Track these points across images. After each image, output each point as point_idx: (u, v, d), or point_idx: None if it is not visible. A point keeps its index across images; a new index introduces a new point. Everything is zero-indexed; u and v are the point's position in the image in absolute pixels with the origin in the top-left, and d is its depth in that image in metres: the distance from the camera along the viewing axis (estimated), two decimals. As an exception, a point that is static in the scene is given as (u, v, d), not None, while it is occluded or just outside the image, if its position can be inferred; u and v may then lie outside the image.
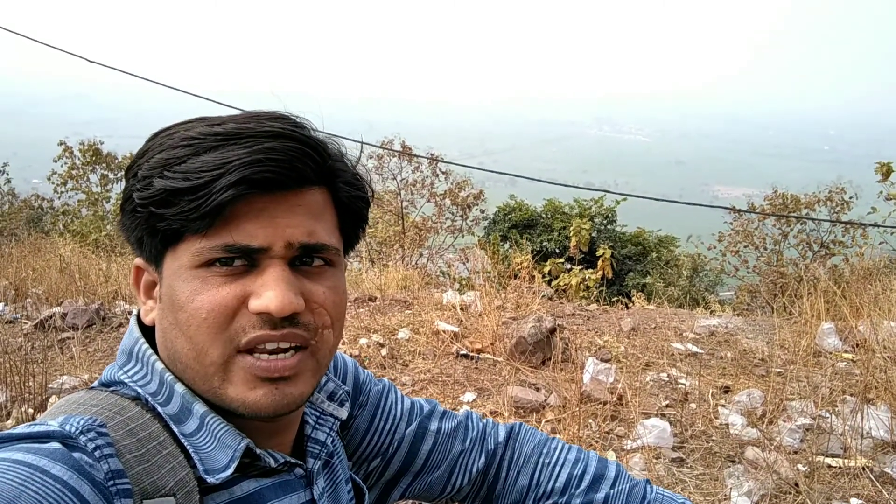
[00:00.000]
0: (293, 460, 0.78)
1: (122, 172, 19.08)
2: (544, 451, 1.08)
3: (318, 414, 0.87)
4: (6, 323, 5.36)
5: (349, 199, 0.79)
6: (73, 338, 4.92)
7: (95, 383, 0.78)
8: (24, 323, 5.37)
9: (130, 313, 5.60)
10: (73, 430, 0.64)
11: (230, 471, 0.70)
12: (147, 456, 0.67)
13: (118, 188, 19.26)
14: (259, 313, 0.68)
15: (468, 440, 1.07)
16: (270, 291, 0.68)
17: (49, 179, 18.42)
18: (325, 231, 0.74)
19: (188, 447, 0.70)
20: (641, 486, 1.04)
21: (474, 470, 1.06)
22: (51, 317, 5.19)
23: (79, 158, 18.67)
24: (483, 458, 1.07)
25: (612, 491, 1.02)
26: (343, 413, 0.89)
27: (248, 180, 0.66)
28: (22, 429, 0.64)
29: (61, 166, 18.49)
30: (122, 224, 0.74)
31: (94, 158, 18.83)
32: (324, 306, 0.73)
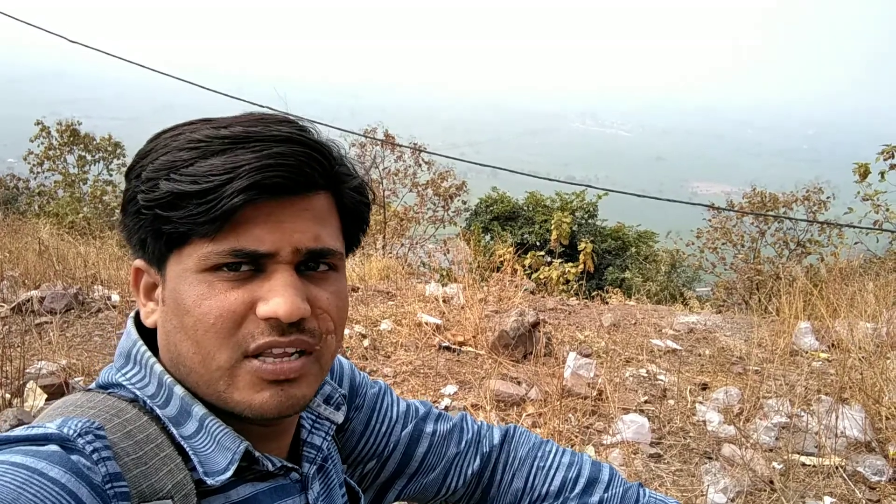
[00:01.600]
0: (289, 465, 0.78)
1: (100, 154, 18.95)
2: (539, 454, 1.09)
3: (314, 418, 0.87)
4: (-18, 306, 5.27)
5: (353, 203, 0.79)
6: (52, 322, 4.85)
7: (93, 385, 0.77)
8: (1, 306, 5.29)
9: (109, 298, 5.54)
10: (72, 432, 0.63)
11: (229, 473, 0.70)
12: (145, 458, 0.67)
13: (95, 169, 19.03)
14: (267, 319, 0.69)
15: (463, 442, 1.08)
16: (279, 297, 0.68)
17: (25, 159, 18.16)
18: (331, 236, 0.74)
19: (188, 449, 0.70)
20: (634, 489, 1.05)
21: (469, 472, 1.06)
22: (28, 300, 5.12)
23: (56, 139, 18.42)
24: (478, 460, 1.07)
25: (605, 494, 1.04)
26: (339, 417, 0.89)
27: (259, 185, 0.66)
28: (20, 431, 0.64)
29: (38, 146, 18.23)
30: (124, 225, 0.74)
31: (71, 139, 18.59)
32: (328, 312, 0.74)
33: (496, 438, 1.11)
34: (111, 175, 19.00)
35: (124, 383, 0.74)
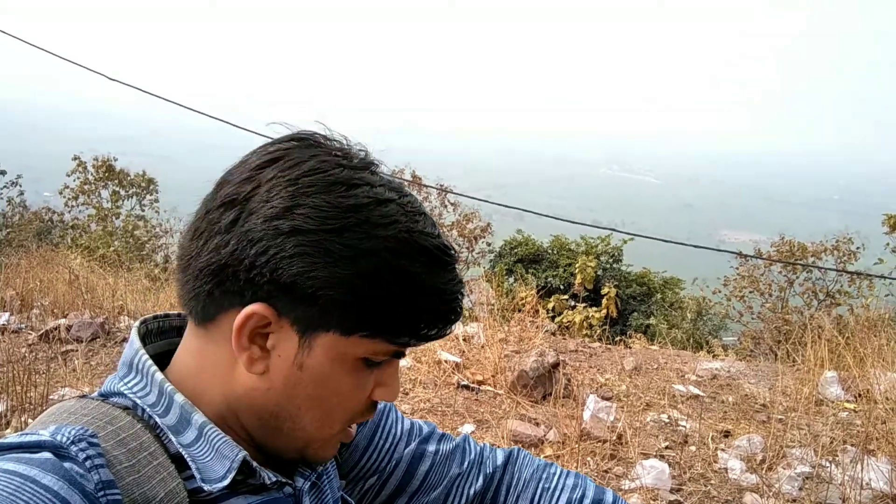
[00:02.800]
0: (283, 479, 0.78)
1: (133, 189, 19.38)
2: (543, 475, 1.09)
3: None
4: (11, 333, 5.39)
5: None
6: (77, 350, 4.94)
7: (94, 393, 0.77)
8: (29, 333, 5.40)
9: (129, 329, 5.61)
10: (65, 439, 0.63)
11: (227, 481, 0.71)
12: (138, 466, 0.67)
13: (128, 205, 19.42)
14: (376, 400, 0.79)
15: (466, 463, 1.08)
16: (394, 387, 0.79)
17: (61, 193, 18.62)
18: None
19: (186, 457, 0.71)
20: None
21: (471, 492, 1.06)
22: (56, 328, 5.22)
23: (92, 174, 18.90)
24: (481, 481, 1.07)
25: None
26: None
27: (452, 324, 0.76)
28: (13, 438, 0.63)
29: (74, 181, 18.71)
30: (284, 287, 0.70)
31: (106, 174, 19.05)
32: None
33: (500, 459, 1.11)
34: (143, 210, 19.40)
35: (125, 391, 0.74)
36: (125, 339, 5.38)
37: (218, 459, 0.72)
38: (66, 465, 0.61)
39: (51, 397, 3.97)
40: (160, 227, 18.05)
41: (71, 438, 0.64)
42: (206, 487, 0.70)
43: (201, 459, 0.71)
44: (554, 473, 1.10)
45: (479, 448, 1.12)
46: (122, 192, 19.35)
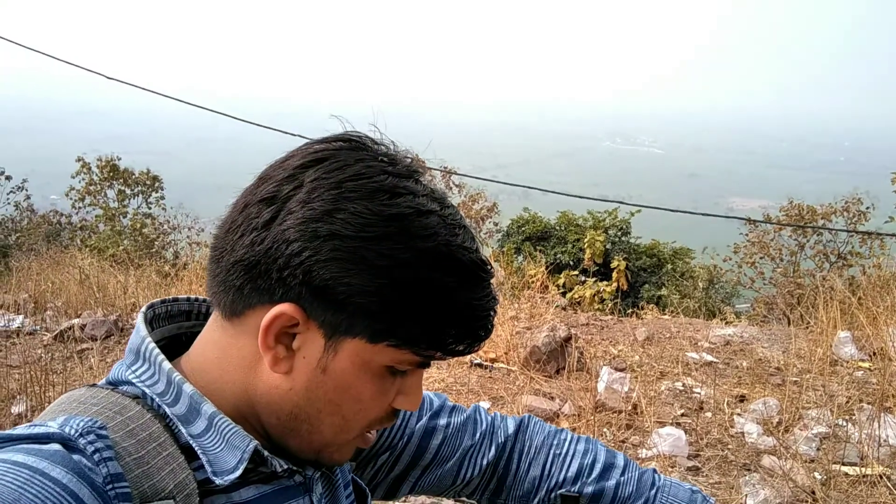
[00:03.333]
0: (294, 467, 0.78)
1: (139, 188, 19.43)
2: (554, 442, 1.10)
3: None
4: (26, 335, 5.44)
5: None
6: (92, 349, 4.98)
7: (102, 381, 0.77)
8: (44, 335, 5.45)
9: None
10: (73, 432, 0.63)
11: (239, 472, 0.70)
12: (147, 458, 0.67)
13: (135, 203, 19.47)
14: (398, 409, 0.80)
15: (478, 434, 1.08)
16: (416, 395, 0.79)
17: (67, 195, 18.66)
18: None
19: (196, 448, 0.70)
20: (650, 474, 1.06)
21: (484, 462, 1.07)
22: (70, 328, 5.27)
23: (96, 174, 18.91)
24: (493, 450, 1.08)
25: (622, 478, 1.04)
26: None
27: (481, 342, 0.76)
28: (21, 429, 0.63)
29: (79, 182, 18.74)
30: (315, 290, 0.69)
31: (111, 174, 19.06)
32: None
33: (511, 428, 1.11)
34: (150, 208, 19.43)
35: (133, 380, 0.74)
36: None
37: (229, 450, 0.71)
38: (75, 457, 0.61)
39: (69, 395, 4.02)
40: (168, 224, 18.08)
41: (79, 430, 0.63)
42: (218, 481, 0.70)
43: (212, 450, 0.71)
44: (565, 439, 1.11)
45: (489, 418, 1.13)
46: (128, 191, 19.37)
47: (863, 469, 3.50)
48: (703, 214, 11.02)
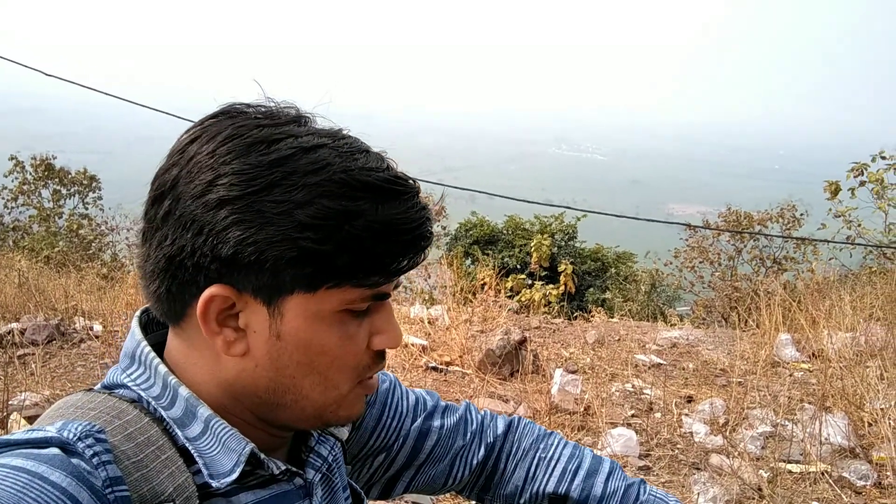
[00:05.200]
0: (294, 469, 0.77)
1: (75, 188, 18.80)
2: (542, 445, 1.11)
3: (320, 431, 0.87)
4: (-39, 339, 5.20)
5: None
6: (34, 354, 4.80)
7: (98, 385, 0.76)
8: (-20, 339, 5.22)
9: (91, 329, 5.48)
10: (72, 436, 0.62)
11: (235, 475, 0.69)
12: (146, 461, 0.66)
13: (71, 203, 18.83)
14: (380, 350, 0.76)
15: (469, 434, 1.09)
16: (393, 332, 0.76)
17: (-1, 194, 17.94)
18: None
19: (192, 451, 0.70)
20: (636, 485, 1.06)
21: (474, 462, 1.08)
22: (9, 332, 5.06)
23: (30, 173, 18.22)
24: (482, 450, 1.09)
25: (606, 486, 1.05)
26: (343, 434, 0.90)
27: (423, 249, 0.73)
28: (20, 434, 0.62)
29: (12, 181, 18.02)
30: (228, 261, 0.67)
31: (46, 173, 18.39)
32: None
33: (500, 428, 1.13)
34: (87, 209, 18.79)
35: (129, 384, 0.73)
36: (82, 340, 5.24)
37: (225, 453, 0.70)
38: (74, 461, 0.60)
39: (10, 403, 3.86)
40: (105, 225, 17.52)
41: (78, 434, 0.63)
42: (214, 484, 0.69)
43: (208, 453, 0.70)
44: (552, 444, 1.12)
45: (479, 417, 1.14)
46: (64, 191, 18.72)
47: (806, 466, 3.64)
48: (645, 220, 11.27)
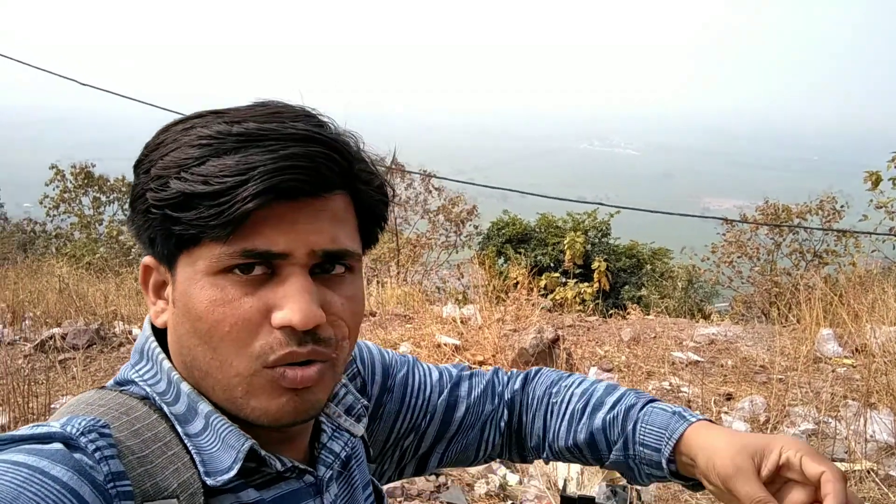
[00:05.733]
0: (303, 466, 0.76)
1: (114, 195, 19.18)
2: (554, 390, 1.07)
3: (334, 427, 0.85)
4: (6, 345, 5.33)
5: (371, 201, 0.76)
6: (74, 358, 4.90)
7: (110, 382, 0.76)
8: (24, 345, 5.35)
9: (130, 333, 5.58)
10: (75, 430, 0.62)
11: (233, 472, 0.68)
12: (151, 457, 0.66)
13: (110, 210, 19.22)
14: (282, 327, 0.67)
15: (496, 397, 1.08)
16: (294, 304, 0.66)
17: (41, 203, 18.37)
18: (348, 236, 0.72)
19: (190, 447, 0.69)
20: (637, 407, 0.98)
21: (503, 424, 1.07)
22: (51, 338, 5.18)
23: (70, 181, 18.64)
24: (506, 411, 1.08)
25: (607, 417, 0.98)
26: (359, 430, 0.86)
27: (274, 189, 0.64)
28: (25, 430, 0.63)
29: (53, 190, 18.45)
30: (132, 222, 0.71)
31: (85, 181, 18.80)
32: (342, 317, 0.71)
33: (518, 384, 1.10)
34: (126, 215, 19.16)
35: (137, 380, 0.73)
36: (122, 344, 5.34)
37: (224, 449, 0.69)
38: (77, 456, 0.60)
39: (52, 406, 3.94)
40: (145, 231, 17.88)
41: (80, 429, 0.62)
42: (210, 481, 0.68)
43: (207, 450, 0.69)
44: (565, 385, 1.07)
45: (505, 378, 1.11)
46: (104, 198, 19.12)
47: (851, 465, 3.55)
48: (681, 215, 11.12)
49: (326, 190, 0.69)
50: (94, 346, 5.24)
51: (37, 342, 5.17)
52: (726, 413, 4.31)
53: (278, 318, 0.66)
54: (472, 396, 1.05)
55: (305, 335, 0.67)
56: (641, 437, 0.94)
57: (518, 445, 1.09)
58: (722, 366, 5.17)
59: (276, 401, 0.68)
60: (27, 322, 5.96)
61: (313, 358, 0.68)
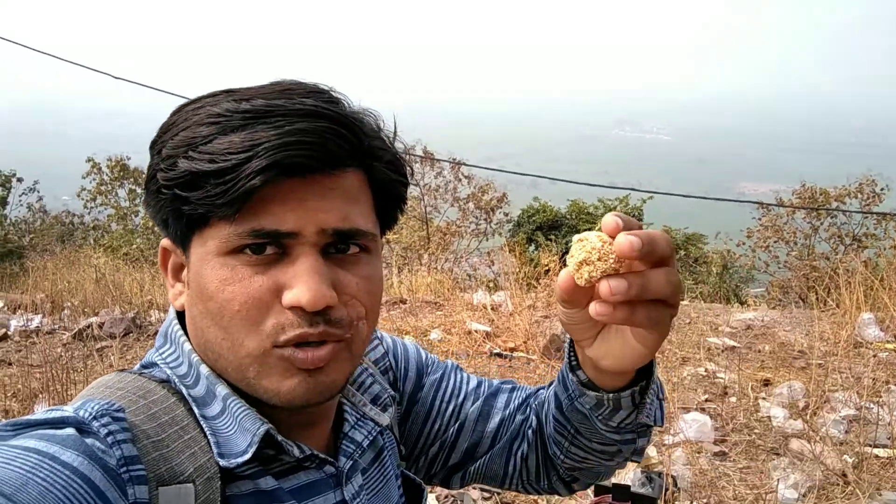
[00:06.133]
0: (323, 455, 0.74)
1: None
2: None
3: (358, 416, 0.83)
4: (45, 334, 5.45)
5: (387, 180, 0.74)
6: (111, 346, 4.99)
7: (137, 365, 0.76)
8: (63, 333, 5.46)
9: (165, 321, 5.68)
10: (87, 415, 0.62)
11: (248, 455, 0.67)
12: (167, 441, 0.65)
13: (147, 202, 19.54)
14: (292, 307, 0.65)
15: (528, 408, 1.03)
16: (303, 284, 0.65)
17: (79, 196, 18.74)
18: (361, 215, 0.70)
19: (206, 430, 0.68)
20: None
21: (530, 432, 1.00)
22: (88, 327, 5.28)
23: (107, 174, 18.97)
24: (535, 417, 1.01)
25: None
26: (384, 419, 0.84)
27: (279, 165, 0.62)
28: (39, 415, 0.62)
29: (90, 182, 18.81)
30: (147, 203, 0.71)
31: (121, 174, 19.12)
32: (357, 297, 0.70)
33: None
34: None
35: (159, 362, 0.73)
36: (157, 333, 5.43)
37: (240, 433, 0.68)
38: (89, 441, 0.59)
39: (91, 394, 4.02)
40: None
41: (93, 413, 0.62)
42: (223, 462, 0.66)
43: (224, 433, 0.68)
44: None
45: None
46: (139, 190, 19.42)
47: (893, 451, 3.46)
48: (715, 199, 10.95)
49: (335, 166, 0.67)
50: (131, 334, 5.33)
51: (75, 331, 5.28)
52: (764, 399, 4.23)
53: (288, 298, 0.65)
54: (508, 409, 1.01)
55: (317, 315, 0.66)
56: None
57: (546, 454, 1.00)
58: (759, 351, 5.08)
59: (289, 381, 0.67)
60: (66, 311, 6.08)
61: (325, 338, 0.67)
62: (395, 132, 0.77)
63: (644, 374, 0.79)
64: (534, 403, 1.02)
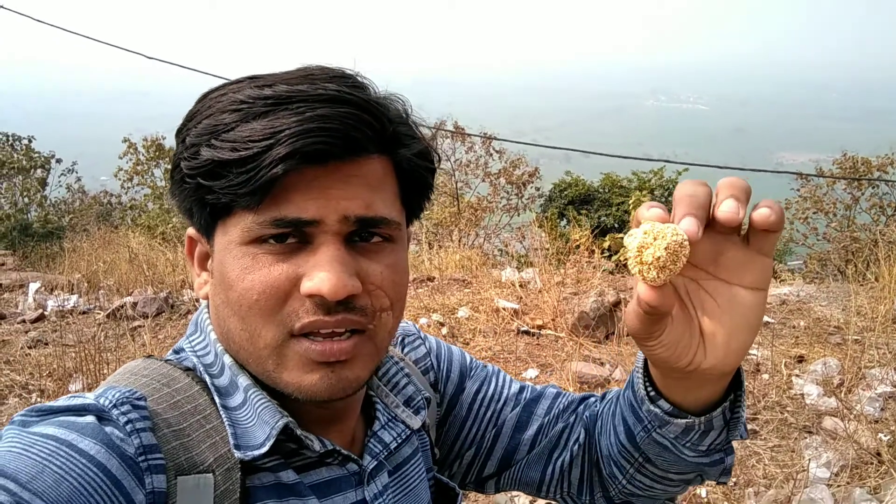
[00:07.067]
0: (345, 452, 0.73)
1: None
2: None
3: (389, 417, 0.82)
4: (81, 314, 5.57)
5: (412, 167, 0.72)
6: (144, 326, 5.08)
7: (169, 352, 0.77)
8: (97, 313, 5.58)
9: (198, 301, 5.75)
10: (108, 402, 0.62)
11: (265, 448, 0.66)
12: (188, 430, 0.65)
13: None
14: (311, 296, 0.64)
15: (573, 415, 0.98)
16: (323, 273, 0.63)
17: (116, 176, 19.05)
18: (385, 203, 0.68)
19: (225, 420, 0.68)
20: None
21: (576, 447, 0.95)
22: (122, 306, 5.38)
23: (143, 154, 19.23)
24: (583, 430, 0.97)
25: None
26: (416, 422, 0.83)
27: (300, 152, 0.61)
28: (62, 401, 0.63)
29: (126, 163, 19.09)
30: (172, 192, 0.71)
31: (157, 154, 19.36)
32: (381, 287, 0.68)
33: (602, 402, 0.99)
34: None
35: (188, 350, 0.74)
36: (189, 312, 5.50)
37: (259, 425, 0.67)
38: (108, 429, 0.60)
39: (124, 373, 4.11)
40: (216, 200, 18.38)
41: (114, 401, 0.62)
42: (238, 454, 0.66)
43: (243, 424, 0.68)
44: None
45: (594, 400, 1.00)
46: (174, 170, 19.70)
47: (932, 430, 3.37)
48: (752, 170, 10.70)
49: (358, 153, 0.66)
50: (163, 314, 5.42)
51: (109, 311, 5.39)
52: (797, 376, 4.15)
53: (307, 286, 0.64)
54: (549, 417, 0.97)
55: (337, 305, 0.65)
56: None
57: (597, 473, 0.95)
58: (794, 327, 4.98)
59: (310, 376, 0.66)
60: (101, 291, 6.20)
61: (345, 327, 0.66)
62: (411, 117, 0.75)
63: (732, 388, 0.75)
64: (584, 414, 0.98)
